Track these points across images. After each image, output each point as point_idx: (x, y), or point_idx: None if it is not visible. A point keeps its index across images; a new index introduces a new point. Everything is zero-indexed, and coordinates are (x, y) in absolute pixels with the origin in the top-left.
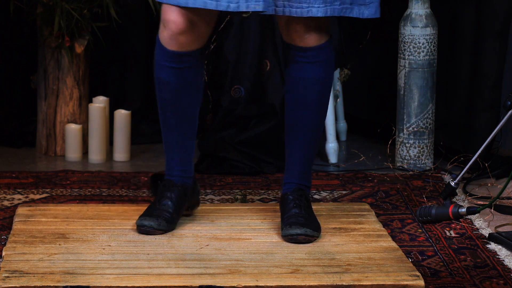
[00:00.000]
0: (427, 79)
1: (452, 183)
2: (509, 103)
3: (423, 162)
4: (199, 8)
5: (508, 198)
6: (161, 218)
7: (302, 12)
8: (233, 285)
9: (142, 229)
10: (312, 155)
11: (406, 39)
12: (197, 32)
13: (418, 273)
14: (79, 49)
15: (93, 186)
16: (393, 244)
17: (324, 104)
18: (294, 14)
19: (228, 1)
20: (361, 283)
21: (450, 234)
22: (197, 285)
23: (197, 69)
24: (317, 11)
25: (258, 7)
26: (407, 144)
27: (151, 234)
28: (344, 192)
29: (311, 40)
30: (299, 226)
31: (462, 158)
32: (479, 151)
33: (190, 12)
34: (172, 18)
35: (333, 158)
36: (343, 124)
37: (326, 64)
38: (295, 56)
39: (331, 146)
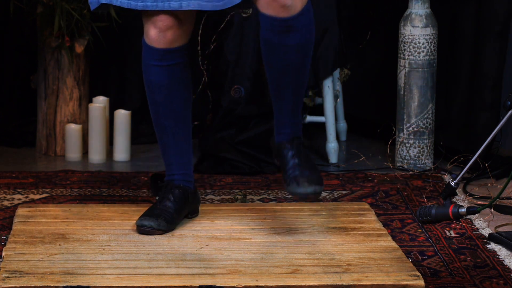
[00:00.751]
0: (427, 79)
1: (452, 183)
2: (509, 103)
3: (423, 162)
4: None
5: (508, 198)
6: (161, 218)
7: None
8: (233, 285)
9: (142, 229)
10: (300, 105)
11: (406, 39)
12: (183, 27)
13: (418, 273)
14: (79, 49)
15: (93, 186)
16: (393, 244)
17: (306, 65)
18: None
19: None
20: (361, 283)
21: (450, 234)
22: (197, 285)
23: (185, 65)
24: None
25: None
26: (407, 144)
27: (151, 234)
28: (344, 192)
29: (291, 8)
30: (306, 183)
31: (462, 158)
32: (479, 151)
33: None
34: (159, 16)
35: (333, 158)
36: (343, 124)
37: (306, 30)
38: (273, 24)
39: (331, 146)
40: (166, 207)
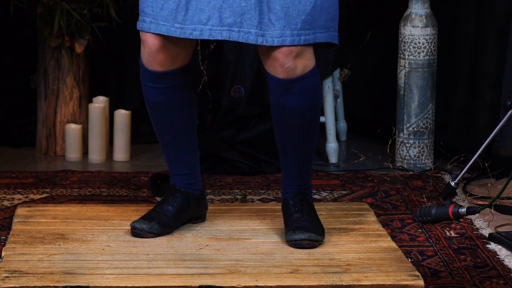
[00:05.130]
0: (427, 79)
1: (452, 183)
2: (509, 103)
3: (423, 162)
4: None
5: (508, 198)
6: (155, 221)
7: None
8: (232, 285)
9: (134, 231)
10: (309, 163)
11: (406, 39)
12: (174, 49)
13: (417, 273)
14: (79, 49)
15: (93, 186)
16: (393, 244)
17: (312, 129)
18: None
19: (192, 29)
20: (361, 283)
21: (450, 234)
22: (197, 285)
23: (183, 88)
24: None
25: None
26: (407, 144)
27: (142, 237)
28: (344, 192)
29: (290, 70)
30: (303, 230)
31: (462, 158)
32: (479, 151)
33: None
34: (148, 37)
35: (333, 158)
36: (343, 124)
37: (307, 94)
38: (274, 84)
39: (331, 146)
40: (164, 211)
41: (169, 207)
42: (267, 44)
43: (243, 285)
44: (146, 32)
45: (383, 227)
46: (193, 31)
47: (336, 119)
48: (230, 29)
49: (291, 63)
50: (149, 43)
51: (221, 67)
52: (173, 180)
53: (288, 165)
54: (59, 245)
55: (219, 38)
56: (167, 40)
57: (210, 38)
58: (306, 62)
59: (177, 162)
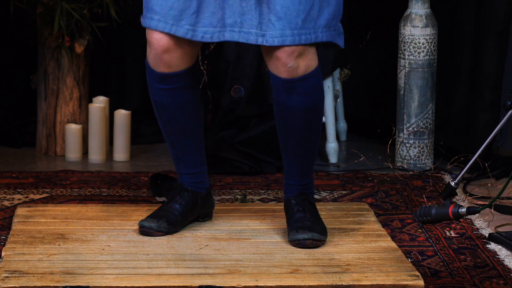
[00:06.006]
0: (427, 79)
1: (452, 183)
2: (509, 103)
3: (423, 162)
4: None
5: (508, 198)
6: (163, 220)
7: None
8: (232, 285)
9: (142, 230)
10: (312, 163)
11: (406, 39)
12: (180, 50)
13: (417, 273)
14: (79, 49)
15: (93, 186)
16: (393, 244)
17: (315, 129)
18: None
19: (203, 31)
20: (361, 283)
21: (450, 234)
22: (197, 285)
23: (190, 89)
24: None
25: (223, 37)
26: (407, 144)
27: (151, 236)
28: (344, 192)
29: (293, 70)
30: (306, 230)
31: (462, 158)
32: (479, 151)
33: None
34: (155, 36)
35: (333, 158)
36: (343, 124)
37: (310, 95)
38: (276, 84)
39: (331, 146)
40: (172, 209)
41: (176, 206)
42: (267, 44)
43: (243, 285)
44: (154, 30)
45: (383, 227)
46: (204, 34)
47: (336, 119)
48: (232, 30)
49: (293, 63)
50: (157, 42)
51: (221, 67)
52: (180, 179)
53: (291, 165)
54: (59, 245)
55: (222, 39)
56: (175, 40)
57: (216, 41)
58: (308, 62)
59: (184, 162)
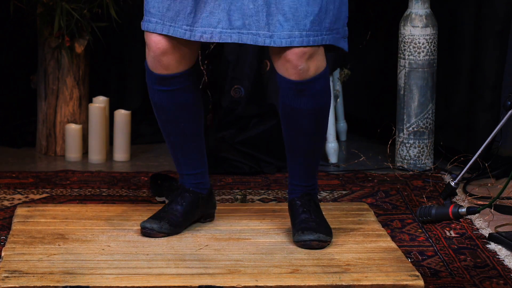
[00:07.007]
0: (427, 79)
1: (452, 183)
2: (509, 103)
3: (423, 162)
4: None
5: (508, 198)
6: (164, 221)
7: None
8: (232, 285)
9: (144, 231)
10: (317, 164)
11: (406, 39)
12: (179, 52)
13: (417, 273)
14: (79, 49)
15: (93, 186)
16: (392, 244)
17: (322, 130)
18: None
19: (202, 31)
20: (361, 283)
21: (450, 234)
22: (197, 285)
23: (189, 90)
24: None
25: (230, 38)
26: (407, 144)
27: (153, 237)
28: (344, 192)
29: (303, 72)
30: (312, 231)
31: (462, 158)
32: (479, 151)
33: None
34: (153, 39)
35: (333, 158)
36: (343, 124)
37: (320, 96)
38: (286, 87)
39: (331, 146)
40: (174, 210)
41: (178, 207)
42: (275, 45)
43: (243, 285)
44: (152, 32)
45: (383, 227)
46: (203, 34)
47: (336, 119)
48: (240, 32)
49: (304, 65)
50: (155, 45)
51: (221, 67)
52: (181, 180)
53: (297, 166)
54: (59, 245)
55: (229, 41)
56: (174, 42)
57: (220, 41)
58: (318, 64)
59: (185, 163)
